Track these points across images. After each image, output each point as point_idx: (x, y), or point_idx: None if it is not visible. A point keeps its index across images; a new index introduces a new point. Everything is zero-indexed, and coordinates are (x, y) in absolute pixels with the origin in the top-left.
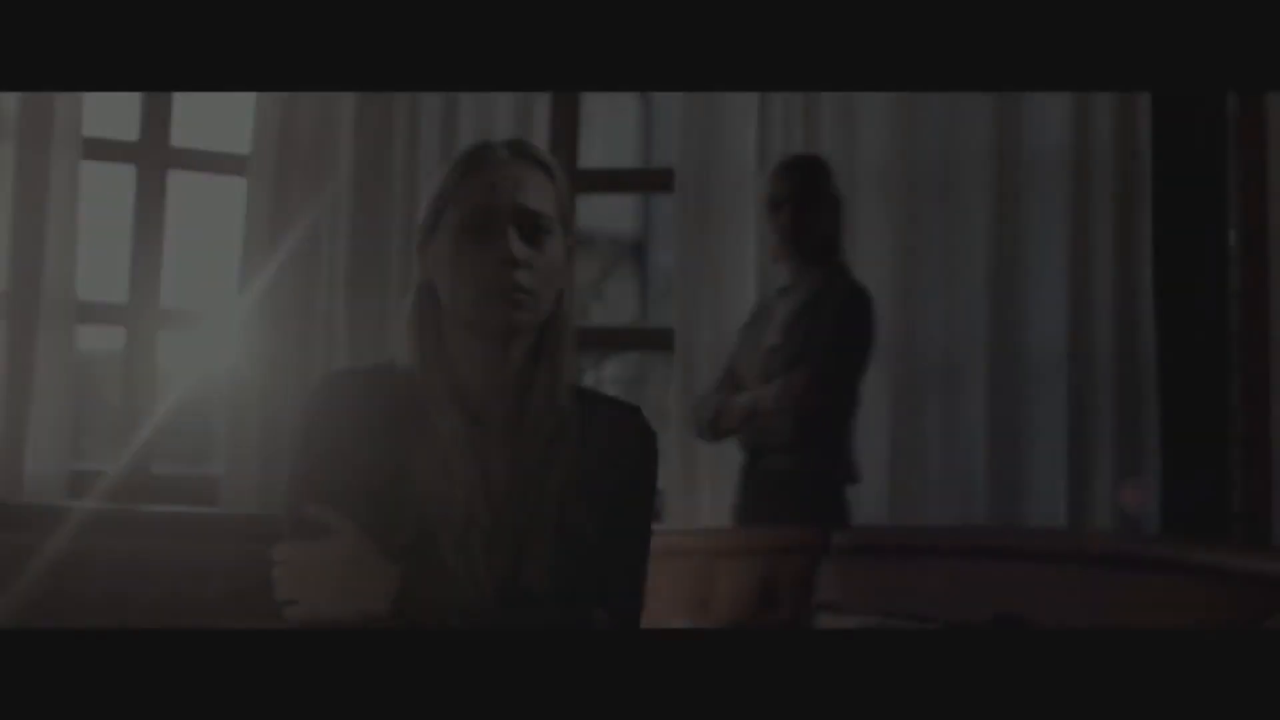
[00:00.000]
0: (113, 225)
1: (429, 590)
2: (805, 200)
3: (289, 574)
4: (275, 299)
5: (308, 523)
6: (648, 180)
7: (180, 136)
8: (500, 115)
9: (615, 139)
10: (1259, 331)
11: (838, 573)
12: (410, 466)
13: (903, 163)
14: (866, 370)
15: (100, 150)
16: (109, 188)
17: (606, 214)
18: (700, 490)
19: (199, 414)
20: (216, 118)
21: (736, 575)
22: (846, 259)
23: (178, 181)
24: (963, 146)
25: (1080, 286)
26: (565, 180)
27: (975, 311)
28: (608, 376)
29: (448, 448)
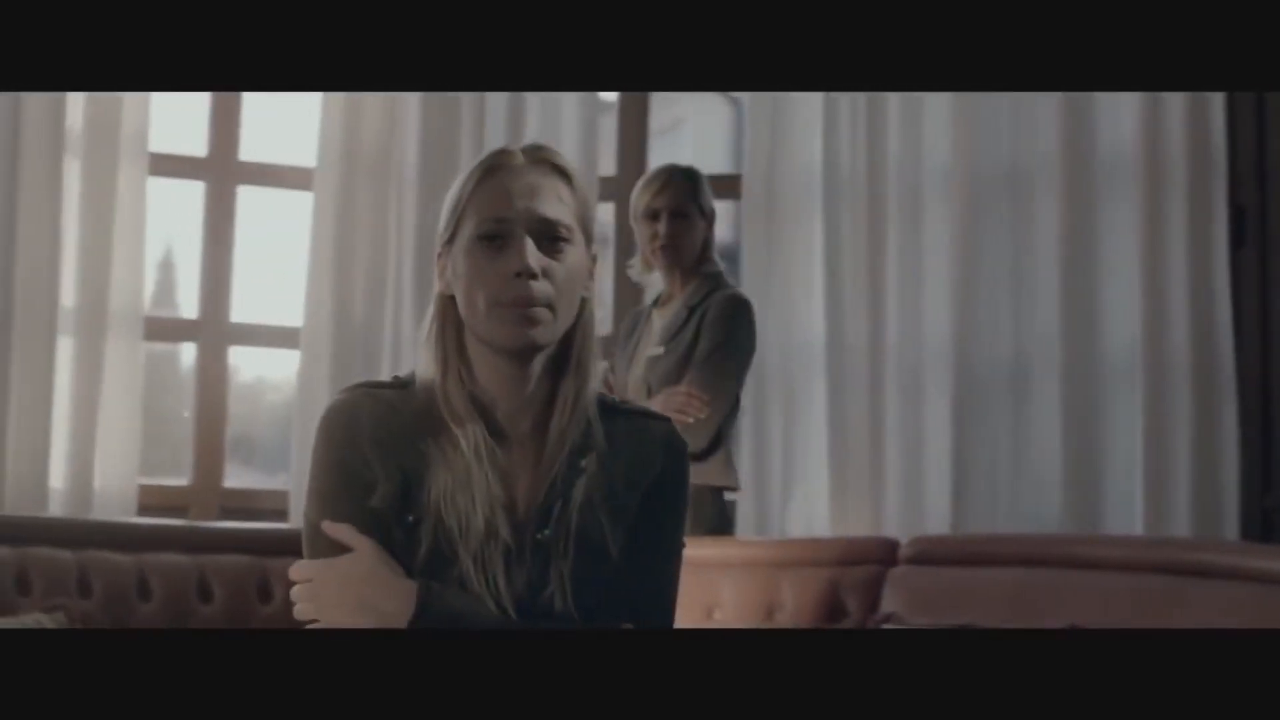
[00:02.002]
0: (182, 240)
1: (448, 606)
2: (683, 211)
3: (308, 593)
4: (343, 310)
5: (326, 540)
6: (715, 186)
7: (248, 151)
8: (567, 121)
9: (707, 142)
10: None
11: (904, 583)
12: (430, 481)
13: (969, 165)
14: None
15: (169, 166)
16: (179, 203)
17: None
18: (770, 500)
19: (269, 428)
20: (283, 132)
21: (803, 585)
22: (722, 269)
23: (246, 196)
24: (1031, 147)
25: (1154, 289)
26: (585, 187)
27: (1046, 315)
28: None
29: (468, 461)
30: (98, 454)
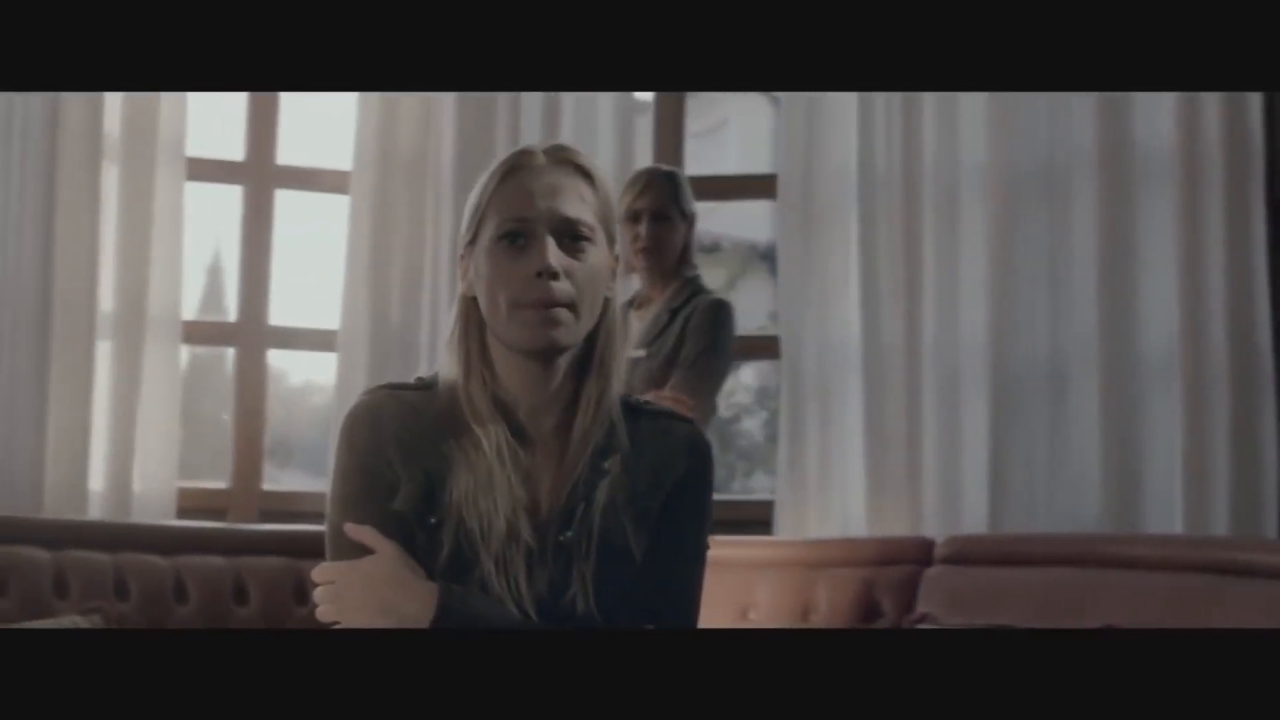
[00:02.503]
0: (220, 244)
1: (469, 608)
2: (664, 213)
3: (330, 594)
4: (380, 313)
5: (349, 542)
6: (750, 186)
7: (285, 155)
8: (602, 122)
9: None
10: None
11: (940, 583)
12: (452, 482)
13: (1005, 163)
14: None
15: (206, 170)
16: (219, 207)
17: (737, 221)
18: (808, 502)
19: (308, 430)
20: (319, 136)
21: (838, 586)
22: (699, 273)
23: (283, 199)
24: (1067, 144)
25: (1192, 286)
26: (608, 186)
27: (1083, 314)
28: (741, 384)
29: (490, 463)
30: (136, 458)
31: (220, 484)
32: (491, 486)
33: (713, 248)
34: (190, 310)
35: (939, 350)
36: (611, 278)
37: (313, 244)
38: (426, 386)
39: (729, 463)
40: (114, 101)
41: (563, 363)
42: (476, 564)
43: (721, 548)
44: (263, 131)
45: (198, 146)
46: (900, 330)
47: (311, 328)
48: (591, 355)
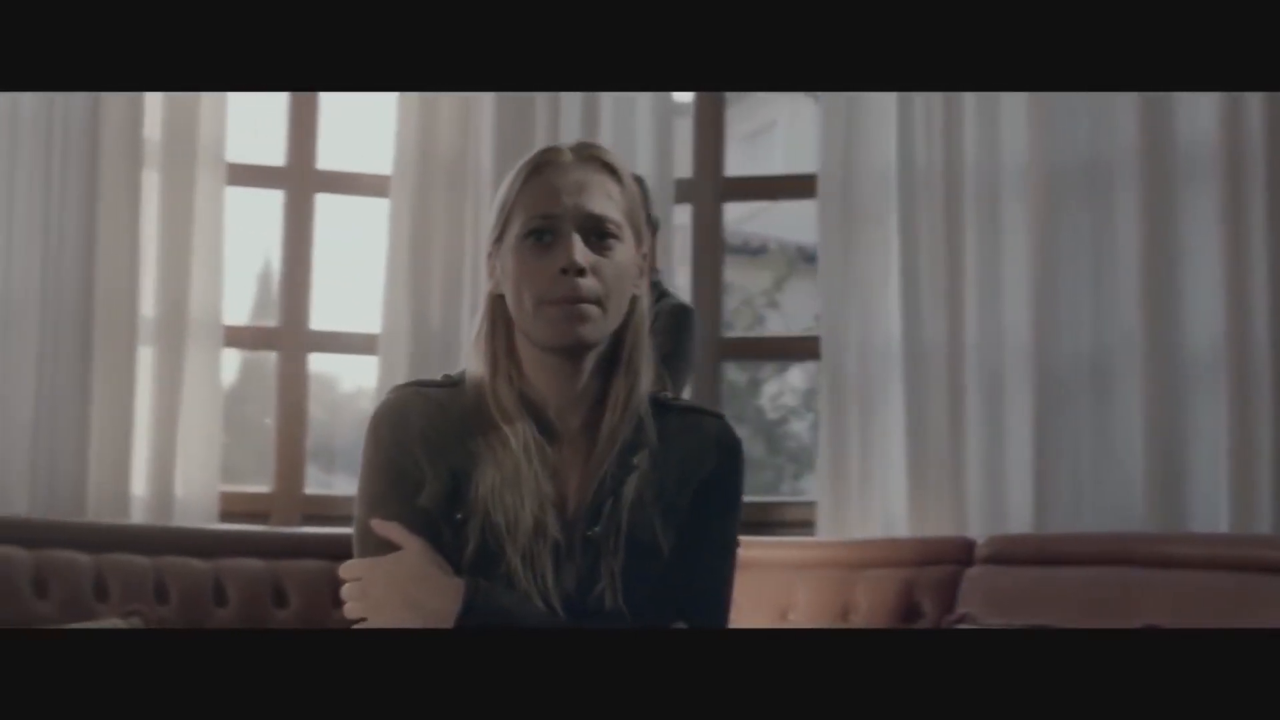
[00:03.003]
0: (260, 249)
1: (496, 603)
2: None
3: (357, 591)
4: (421, 316)
5: (375, 539)
6: (790, 186)
7: (325, 159)
8: (641, 122)
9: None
10: None
11: (980, 583)
12: (478, 478)
13: (1046, 162)
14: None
15: (246, 175)
16: (256, 212)
17: (784, 223)
18: (850, 503)
19: (350, 434)
20: (359, 140)
21: (878, 587)
22: (662, 278)
23: (324, 203)
24: (1109, 142)
25: (1236, 283)
26: (635, 183)
27: (1126, 312)
28: (789, 386)
29: (518, 459)
30: (178, 462)
31: (263, 488)
32: (518, 482)
33: (759, 250)
34: (243, 316)
35: (981, 349)
36: (639, 275)
37: (353, 248)
38: (454, 384)
39: (778, 465)
40: (154, 107)
41: (590, 360)
42: (502, 559)
43: (761, 549)
44: (303, 136)
45: (238, 152)
46: (942, 329)
47: (353, 331)
48: (619, 353)
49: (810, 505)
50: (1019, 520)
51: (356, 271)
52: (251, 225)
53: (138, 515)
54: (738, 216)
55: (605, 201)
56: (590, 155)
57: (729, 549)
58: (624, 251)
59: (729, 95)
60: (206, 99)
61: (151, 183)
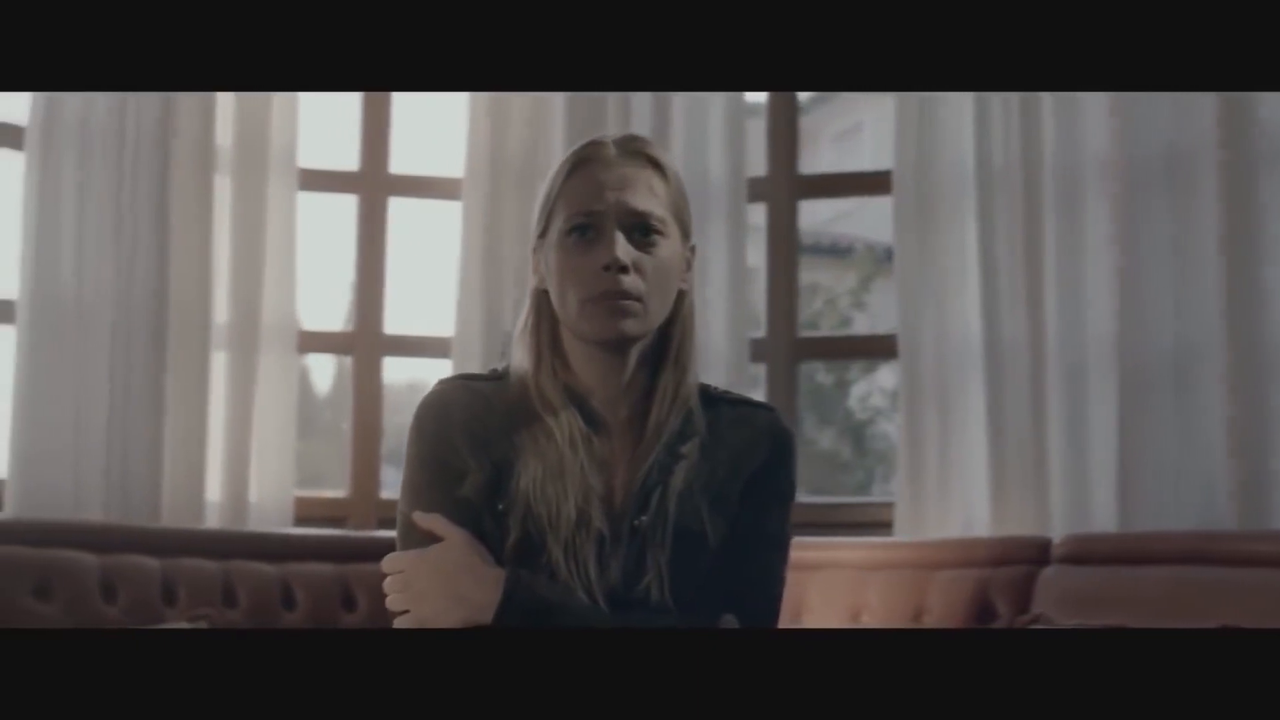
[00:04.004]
0: (334, 254)
1: (536, 595)
2: None
3: (399, 583)
4: (494, 319)
5: (418, 531)
6: (866, 184)
7: (398, 164)
8: (714, 125)
9: (887, 144)
10: None
11: (1056, 583)
12: (520, 469)
13: (1126, 154)
14: None
15: (319, 181)
16: (328, 217)
17: (872, 224)
18: (929, 502)
19: None
20: (431, 143)
21: (951, 587)
22: None
23: (396, 207)
24: (1189, 134)
25: None
26: (680, 179)
27: (1209, 305)
28: (877, 386)
29: (561, 450)
30: (253, 467)
31: (339, 493)
32: (561, 473)
33: (845, 251)
34: (317, 321)
35: (1063, 345)
36: (686, 270)
37: (426, 251)
38: (499, 377)
39: (867, 467)
40: (225, 113)
41: (636, 353)
42: (544, 550)
43: (833, 549)
44: (376, 140)
45: (309, 157)
46: (1023, 326)
47: (426, 335)
48: (667, 347)
49: (888, 506)
50: (1102, 519)
51: (430, 275)
52: (325, 229)
53: (212, 521)
54: (825, 218)
55: (649, 197)
56: (634, 150)
57: (780, 543)
58: (668, 247)
59: (816, 97)
60: (278, 105)
61: (224, 189)
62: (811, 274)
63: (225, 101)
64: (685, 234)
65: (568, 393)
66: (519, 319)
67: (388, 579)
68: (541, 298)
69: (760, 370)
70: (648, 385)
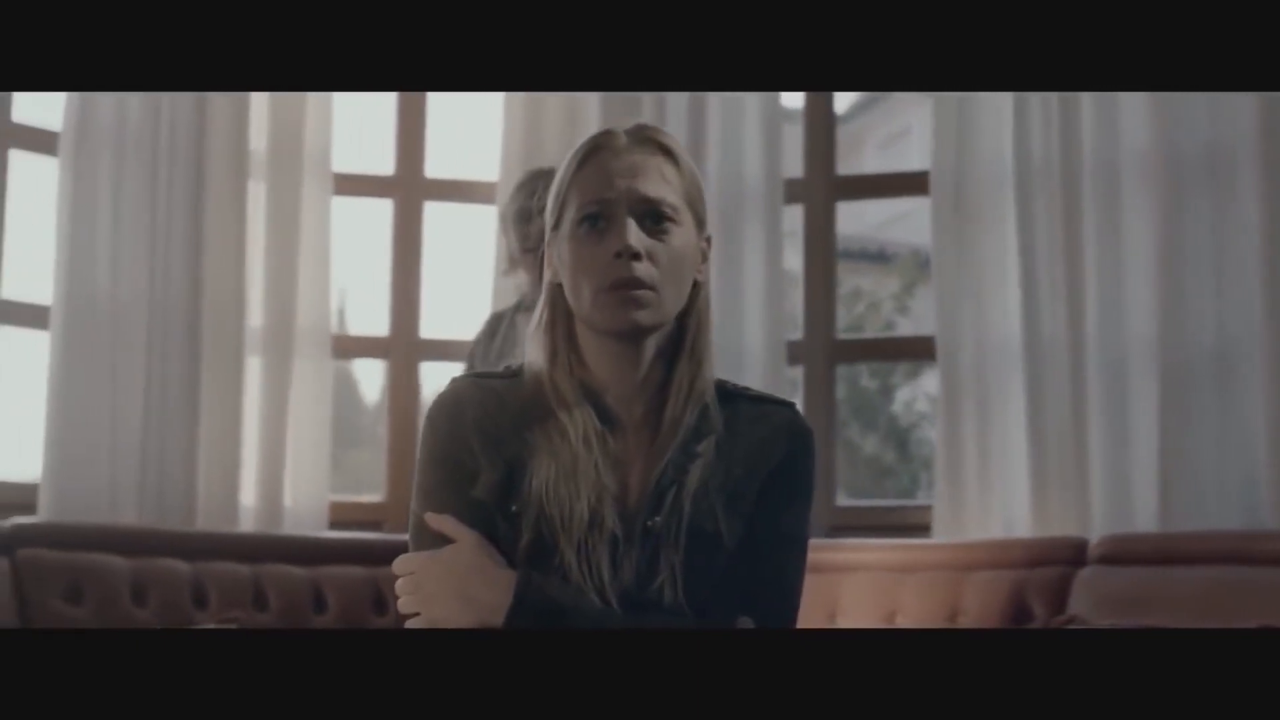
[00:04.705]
0: (370, 258)
1: (547, 596)
2: None
3: (410, 585)
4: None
5: (430, 533)
6: (903, 184)
7: (433, 168)
8: (750, 127)
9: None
10: None
11: (1093, 584)
12: (533, 469)
13: (1166, 151)
14: None
15: (353, 185)
16: (364, 221)
17: (915, 229)
18: (967, 504)
19: None
20: (466, 147)
21: (987, 589)
22: None
23: (432, 211)
24: (1230, 128)
25: None
26: (693, 168)
27: (1250, 301)
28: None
29: (575, 449)
30: (288, 471)
31: (375, 497)
32: (575, 473)
33: (888, 256)
34: (352, 325)
35: (1104, 344)
36: (702, 259)
37: (463, 255)
38: (513, 375)
39: (912, 471)
40: (259, 118)
41: (651, 346)
42: (556, 551)
43: (868, 551)
44: (411, 145)
45: (344, 162)
46: (1062, 325)
47: (463, 339)
48: (683, 339)
49: (927, 509)
50: (1144, 519)
51: (466, 279)
52: (361, 234)
53: (247, 525)
54: (873, 224)
55: (660, 184)
56: (645, 137)
57: (798, 542)
58: (682, 236)
59: (863, 103)
60: (312, 109)
61: (258, 193)
62: (855, 279)
63: (259, 106)
64: (700, 224)
65: (583, 389)
66: (534, 315)
67: (399, 581)
68: (556, 292)
69: (798, 373)
70: (664, 379)
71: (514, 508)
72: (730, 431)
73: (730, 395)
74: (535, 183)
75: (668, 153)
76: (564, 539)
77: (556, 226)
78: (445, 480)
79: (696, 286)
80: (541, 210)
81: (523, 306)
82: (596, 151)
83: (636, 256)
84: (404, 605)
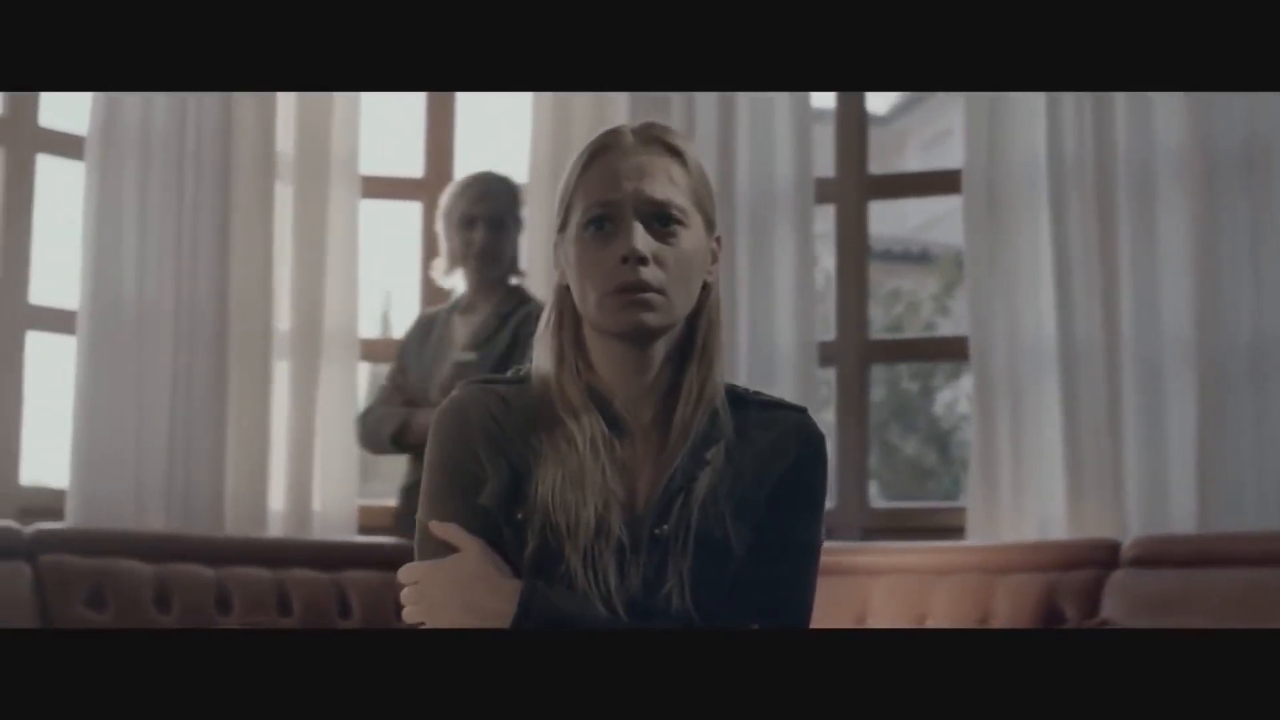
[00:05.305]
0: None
1: (553, 606)
2: (500, 220)
3: (415, 594)
4: None
5: (435, 541)
6: (935, 183)
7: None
8: (780, 127)
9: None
10: None
11: (1125, 587)
12: (539, 475)
13: (1202, 147)
14: None
15: (383, 188)
16: (392, 224)
17: (952, 227)
18: (1001, 505)
19: None
20: (495, 150)
21: (1018, 592)
22: (525, 281)
23: None
24: (1267, 122)
25: None
26: (702, 167)
27: None
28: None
29: (582, 455)
30: (316, 476)
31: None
32: (581, 479)
33: (928, 257)
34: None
35: (1139, 344)
36: (711, 261)
37: None
38: (520, 380)
39: (953, 474)
40: (286, 120)
41: (660, 350)
42: (562, 559)
43: (898, 554)
44: (441, 148)
45: (371, 164)
46: (1097, 324)
47: None
48: (692, 342)
49: (962, 511)
50: (1181, 520)
51: None
52: (387, 236)
53: (275, 530)
54: (915, 224)
55: (668, 186)
56: (652, 137)
57: (809, 549)
58: (690, 238)
59: (904, 104)
60: (339, 111)
61: (285, 196)
62: (895, 280)
63: (286, 108)
64: (709, 224)
65: (590, 394)
66: (542, 318)
67: (404, 590)
68: (564, 294)
69: (831, 374)
70: (673, 383)
71: (519, 515)
72: (740, 437)
73: (740, 400)
74: (478, 187)
75: (675, 153)
76: (570, 547)
77: (563, 228)
78: (450, 487)
79: (706, 288)
80: (486, 217)
81: (459, 308)
82: (603, 152)
83: (643, 261)
84: (408, 615)
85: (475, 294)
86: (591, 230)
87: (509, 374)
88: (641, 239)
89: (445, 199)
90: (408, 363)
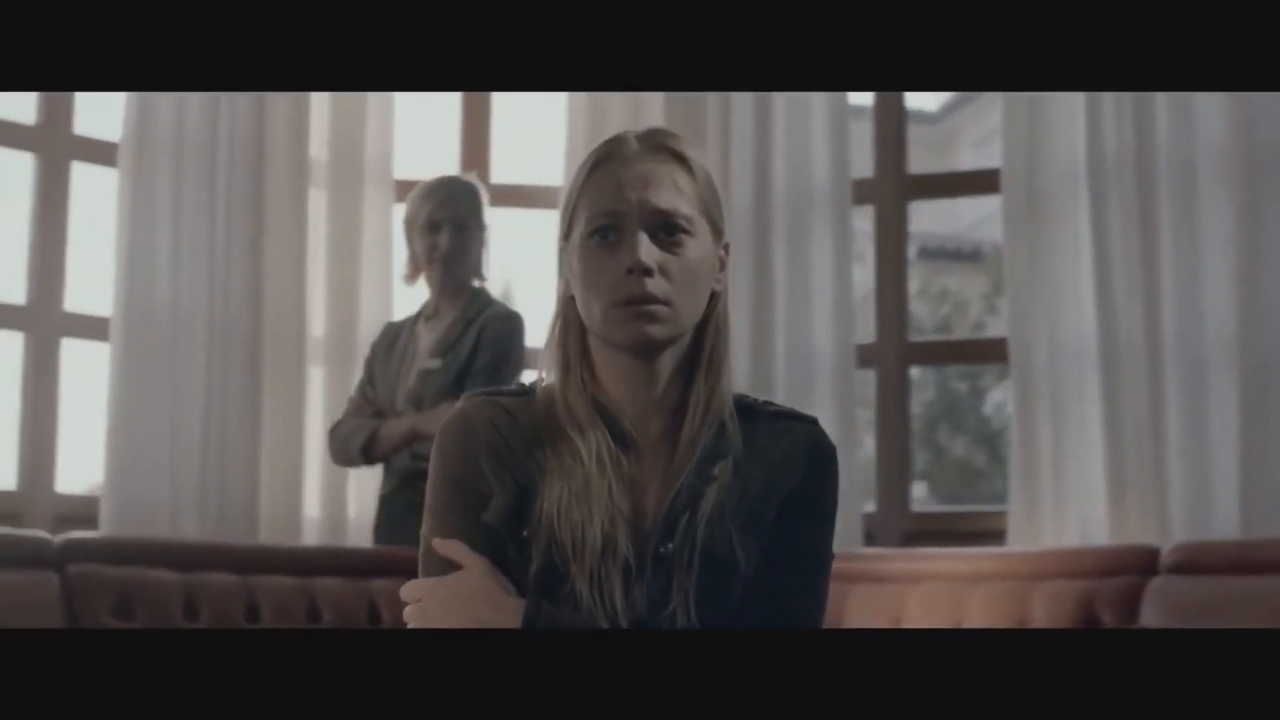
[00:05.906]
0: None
1: (556, 625)
2: (465, 224)
3: (417, 612)
4: None
5: (439, 558)
6: (975, 182)
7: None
8: (816, 126)
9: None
10: None
11: (1165, 594)
12: (544, 492)
13: (1244, 144)
14: None
15: None
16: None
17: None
18: (1043, 511)
19: None
20: (531, 152)
21: (1055, 599)
22: (488, 285)
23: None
24: None
25: None
26: (709, 174)
27: None
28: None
29: (588, 471)
30: (351, 482)
31: None
32: (587, 496)
33: (982, 256)
34: None
35: (1182, 343)
36: (719, 269)
37: (526, 260)
38: (526, 392)
39: (1004, 474)
40: (319, 125)
41: (668, 362)
42: (567, 578)
43: (934, 561)
44: (476, 151)
45: (406, 169)
46: (1139, 325)
47: (528, 347)
48: (700, 353)
49: (1003, 514)
50: (1224, 525)
51: (530, 285)
52: None
53: (310, 537)
54: (969, 223)
55: (673, 195)
56: (657, 144)
57: (820, 564)
58: (697, 247)
59: (956, 100)
60: (372, 116)
61: (318, 201)
62: (944, 279)
63: (319, 112)
64: (717, 232)
65: (597, 408)
66: (547, 329)
67: (407, 608)
68: (569, 304)
69: (870, 375)
70: (681, 397)
71: (525, 533)
72: (749, 449)
73: (750, 411)
74: (442, 191)
75: (681, 160)
76: (575, 566)
77: (567, 237)
78: (454, 503)
79: (714, 297)
80: (450, 221)
81: (424, 315)
82: (607, 160)
83: (648, 272)
84: None
85: (439, 299)
86: (596, 240)
87: (515, 386)
88: (646, 250)
89: (409, 204)
90: (375, 373)
